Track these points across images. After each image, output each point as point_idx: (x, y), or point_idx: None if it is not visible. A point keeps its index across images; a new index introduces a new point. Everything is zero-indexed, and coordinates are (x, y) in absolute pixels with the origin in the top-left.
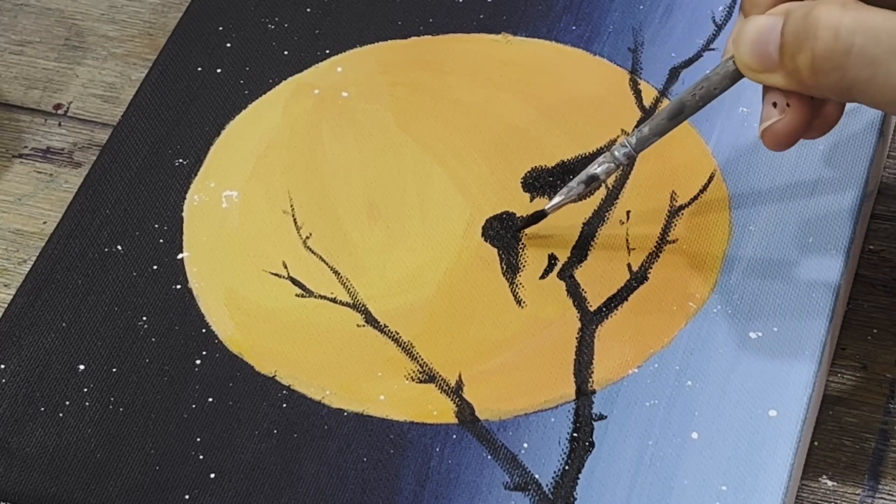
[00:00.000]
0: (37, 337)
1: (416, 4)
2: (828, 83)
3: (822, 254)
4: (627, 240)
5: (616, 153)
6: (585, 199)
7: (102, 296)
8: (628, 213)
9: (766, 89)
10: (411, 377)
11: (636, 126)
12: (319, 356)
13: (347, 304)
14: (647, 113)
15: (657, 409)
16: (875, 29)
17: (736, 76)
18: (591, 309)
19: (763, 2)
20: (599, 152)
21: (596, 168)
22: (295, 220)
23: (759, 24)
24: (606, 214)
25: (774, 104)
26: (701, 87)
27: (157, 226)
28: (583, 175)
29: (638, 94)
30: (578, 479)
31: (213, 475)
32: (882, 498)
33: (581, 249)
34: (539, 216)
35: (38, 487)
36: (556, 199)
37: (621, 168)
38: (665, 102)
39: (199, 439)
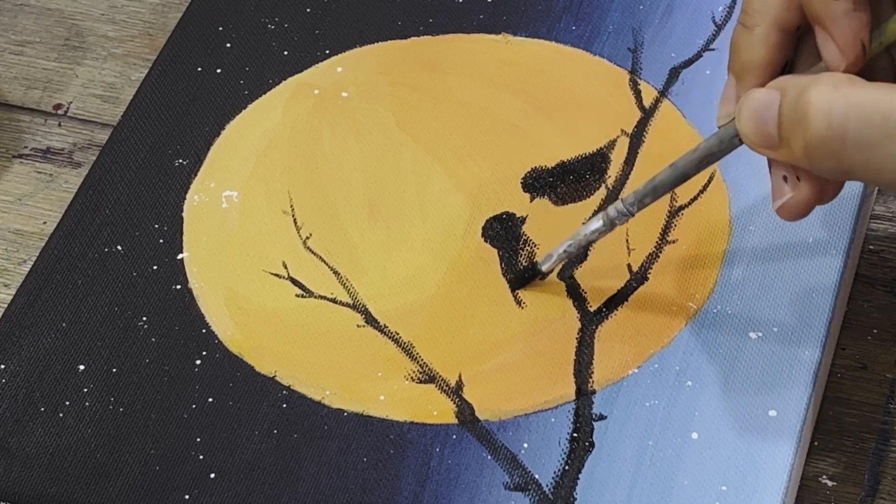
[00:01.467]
0: (37, 337)
1: (416, 4)
2: (824, 168)
3: (822, 254)
4: (627, 240)
5: (610, 213)
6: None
7: (102, 296)
8: None
9: (772, 164)
10: (411, 377)
11: (633, 130)
12: (319, 356)
13: (347, 305)
14: (646, 113)
15: (657, 409)
16: (868, 111)
17: (738, 142)
18: (591, 309)
19: (753, 67)
20: (599, 152)
21: (588, 229)
22: (295, 220)
23: (758, 100)
24: None
25: (785, 178)
26: (701, 151)
27: (157, 226)
28: (577, 236)
29: (638, 94)
30: (578, 479)
31: (213, 475)
32: (882, 498)
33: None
34: (534, 273)
35: (38, 487)
36: (551, 261)
37: (615, 227)
38: (665, 104)
39: (199, 439)
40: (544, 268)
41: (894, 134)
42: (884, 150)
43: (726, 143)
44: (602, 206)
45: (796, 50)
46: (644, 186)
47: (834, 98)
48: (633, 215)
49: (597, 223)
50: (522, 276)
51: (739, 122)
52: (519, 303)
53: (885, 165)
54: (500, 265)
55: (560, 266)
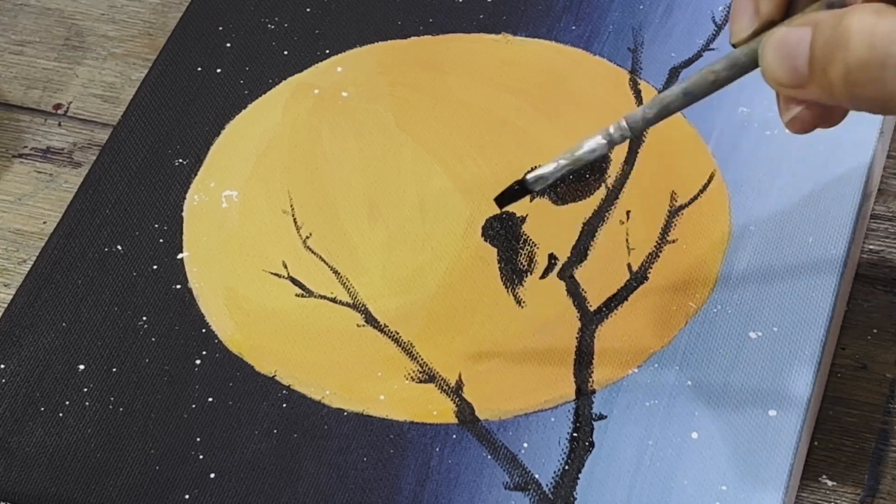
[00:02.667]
0: (37, 337)
1: (416, 4)
2: (864, 96)
3: (822, 254)
4: (627, 240)
5: (611, 130)
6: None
7: (102, 296)
8: (628, 213)
9: None
10: (411, 377)
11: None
12: (319, 356)
13: (347, 304)
14: None
15: (657, 409)
16: None
17: (745, 68)
18: (591, 309)
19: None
20: None
21: (586, 143)
22: (295, 220)
23: (786, 37)
24: (606, 214)
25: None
26: (713, 76)
27: (157, 226)
28: (574, 151)
29: (638, 94)
30: (578, 479)
31: (213, 475)
32: (882, 498)
33: (581, 249)
34: (521, 191)
35: (38, 487)
36: (541, 181)
37: (615, 146)
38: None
39: (199, 439)
40: (536, 188)
41: None
42: None
43: (737, 69)
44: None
45: None
46: (650, 106)
47: (877, 22)
48: (633, 137)
49: (595, 141)
50: (510, 193)
51: (764, 62)
52: (519, 302)
53: None
54: (499, 265)
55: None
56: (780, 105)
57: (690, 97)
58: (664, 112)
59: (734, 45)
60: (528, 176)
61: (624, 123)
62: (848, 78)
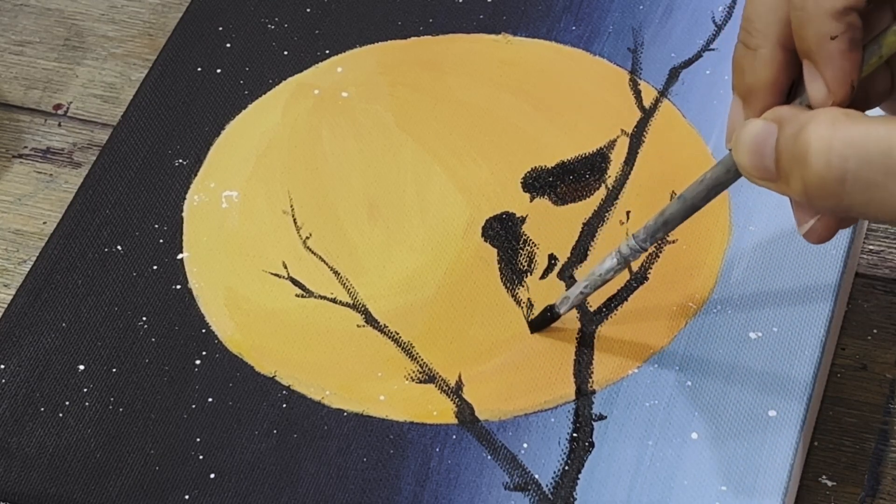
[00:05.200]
0: (37, 337)
1: (416, 4)
2: (825, 206)
3: (822, 254)
4: None
5: (623, 250)
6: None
7: (102, 296)
8: (628, 213)
9: None
10: (411, 377)
11: (633, 131)
12: (319, 356)
13: (347, 305)
14: (646, 113)
15: (657, 409)
16: (868, 151)
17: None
18: (591, 309)
19: (759, 88)
20: (599, 152)
21: (603, 268)
22: (295, 220)
23: (755, 132)
24: (606, 215)
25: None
26: (708, 181)
27: (157, 226)
28: (592, 276)
29: (638, 94)
30: (578, 479)
31: (213, 475)
32: (882, 498)
33: (581, 249)
34: (555, 316)
35: (38, 487)
36: (568, 304)
37: (629, 264)
38: (664, 104)
39: (199, 439)
40: (562, 310)
41: (893, 172)
42: (884, 189)
43: (734, 172)
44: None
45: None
46: (654, 221)
47: (833, 137)
48: (645, 251)
49: (610, 262)
50: (542, 319)
51: (736, 154)
52: (519, 303)
53: (885, 203)
54: (498, 265)
55: (571, 302)
56: (795, 216)
57: (691, 207)
58: (667, 226)
59: (730, 149)
60: (556, 303)
61: (633, 241)
62: (807, 191)
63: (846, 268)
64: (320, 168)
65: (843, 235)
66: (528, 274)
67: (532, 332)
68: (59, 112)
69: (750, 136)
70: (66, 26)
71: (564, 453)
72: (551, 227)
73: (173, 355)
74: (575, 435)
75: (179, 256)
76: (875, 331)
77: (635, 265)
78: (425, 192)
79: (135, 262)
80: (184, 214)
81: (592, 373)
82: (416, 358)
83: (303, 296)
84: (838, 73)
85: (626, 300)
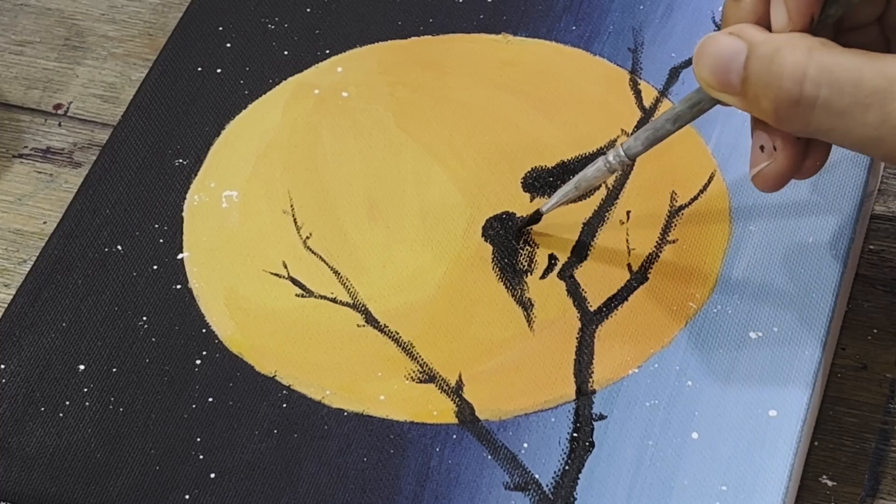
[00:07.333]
0: (37, 337)
1: (416, 4)
2: (790, 128)
3: (822, 254)
4: (627, 240)
5: (610, 158)
6: (585, 199)
7: (102, 296)
8: (628, 213)
9: (754, 132)
10: (411, 377)
11: (634, 130)
12: (319, 356)
13: (347, 304)
14: (647, 113)
15: (657, 409)
16: (840, 80)
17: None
18: (591, 309)
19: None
20: (599, 152)
21: (588, 171)
22: (295, 220)
23: (721, 47)
24: (606, 214)
25: (762, 147)
26: (693, 99)
27: (157, 226)
28: (576, 178)
29: (638, 94)
30: (578, 479)
31: (213, 475)
32: (882, 498)
33: (581, 249)
34: (536, 217)
35: (38, 487)
36: (551, 202)
37: (616, 173)
38: (665, 103)
39: (199, 439)
40: (543, 210)
41: (862, 103)
42: (850, 118)
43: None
44: (601, 150)
45: None
46: (643, 130)
47: (808, 63)
48: (632, 161)
49: (595, 167)
50: (528, 222)
51: (697, 64)
52: (518, 303)
53: (850, 131)
54: (499, 265)
55: (561, 205)
56: (752, 155)
57: (681, 123)
58: (655, 137)
59: None
60: (542, 208)
61: (621, 151)
62: (777, 112)
63: (846, 268)
64: (320, 168)
65: (843, 235)
66: (528, 274)
67: (518, 235)
68: (59, 112)
69: (715, 51)
70: (67, 26)
71: (564, 453)
72: (551, 227)
73: (173, 355)
74: (575, 435)
75: (179, 256)
76: (875, 331)
77: (635, 265)
78: (425, 192)
79: (135, 261)
80: (184, 214)
81: (592, 372)
82: (416, 358)
83: (303, 295)
84: (800, 5)
85: (626, 300)
